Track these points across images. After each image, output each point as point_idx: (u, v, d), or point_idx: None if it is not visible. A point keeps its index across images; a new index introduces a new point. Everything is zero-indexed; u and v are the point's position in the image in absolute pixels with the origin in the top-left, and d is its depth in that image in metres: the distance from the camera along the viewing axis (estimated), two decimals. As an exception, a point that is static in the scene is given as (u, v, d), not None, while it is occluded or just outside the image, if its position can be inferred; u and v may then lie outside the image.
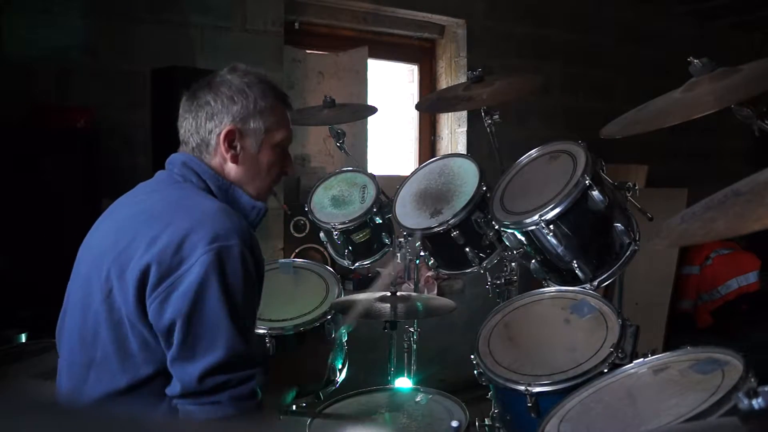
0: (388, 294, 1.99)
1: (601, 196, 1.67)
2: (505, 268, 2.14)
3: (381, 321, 1.96)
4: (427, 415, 1.81)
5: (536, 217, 1.68)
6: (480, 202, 2.01)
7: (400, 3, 3.84)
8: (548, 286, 1.87)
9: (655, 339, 3.81)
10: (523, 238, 1.77)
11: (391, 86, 4.22)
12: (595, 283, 1.75)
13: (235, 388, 1.26)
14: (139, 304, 1.26)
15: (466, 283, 3.86)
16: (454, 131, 4.22)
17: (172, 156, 1.46)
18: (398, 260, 2.33)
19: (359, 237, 2.32)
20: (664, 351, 1.51)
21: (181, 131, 1.45)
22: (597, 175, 1.72)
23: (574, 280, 1.78)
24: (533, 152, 1.95)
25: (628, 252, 1.74)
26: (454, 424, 1.53)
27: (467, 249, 2.03)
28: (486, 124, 2.20)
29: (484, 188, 2.03)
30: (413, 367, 2.27)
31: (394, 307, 1.93)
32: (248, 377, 1.28)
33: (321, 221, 2.34)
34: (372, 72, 3.94)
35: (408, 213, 2.16)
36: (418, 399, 1.90)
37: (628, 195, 1.79)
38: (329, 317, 2.05)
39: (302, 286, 2.21)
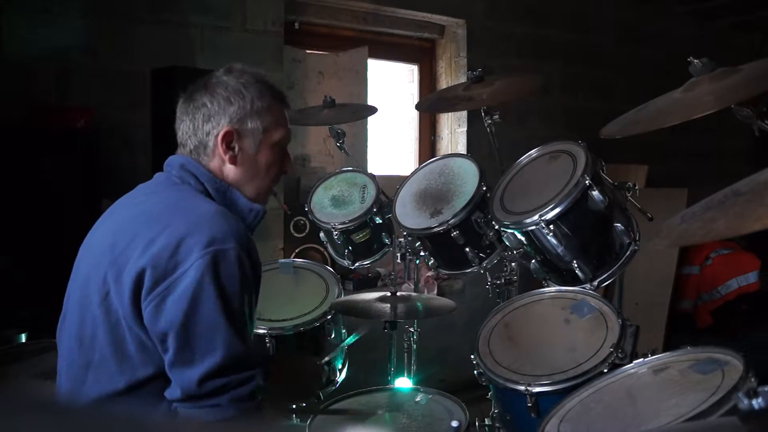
0: (388, 294, 1.99)
1: (601, 196, 1.67)
2: (505, 268, 2.14)
3: (381, 321, 1.96)
4: (427, 415, 1.81)
5: (536, 217, 1.68)
6: (480, 202, 2.01)
7: (400, 3, 3.83)
8: (548, 286, 1.87)
9: (655, 339, 3.81)
10: (523, 238, 1.77)
11: (391, 86, 4.22)
12: (595, 283, 1.75)
13: (234, 390, 1.26)
14: (135, 308, 1.26)
15: (466, 283, 3.86)
16: (454, 131, 4.22)
17: (171, 158, 1.46)
18: (398, 260, 2.33)
19: (359, 237, 2.32)
20: (664, 351, 1.51)
21: (179, 133, 1.45)
22: (597, 175, 1.72)
23: (574, 280, 1.78)
24: (533, 152, 1.95)
25: (628, 252, 1.74)
26: (454, 424, 1.54)
27: (467, 249, 2.03)
28: (486, 124, 2.20)
29: (484, 188, 2.03)
30: (413, 367, 2.27)
31: (394, 307, 1.93)
32: (247, 379, 1.28)
33: (321, 221, 2.34)
34: (372, 72, 3.94)
35: (408, 213, 2.16)
36: (418, 399, 1.90)
37: (628, 195, 1.79)
38: (329, 317, 2.05)
39: (302, 286, 2.21)
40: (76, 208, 2.52)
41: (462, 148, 4.11)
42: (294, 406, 1.97)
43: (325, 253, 3.04)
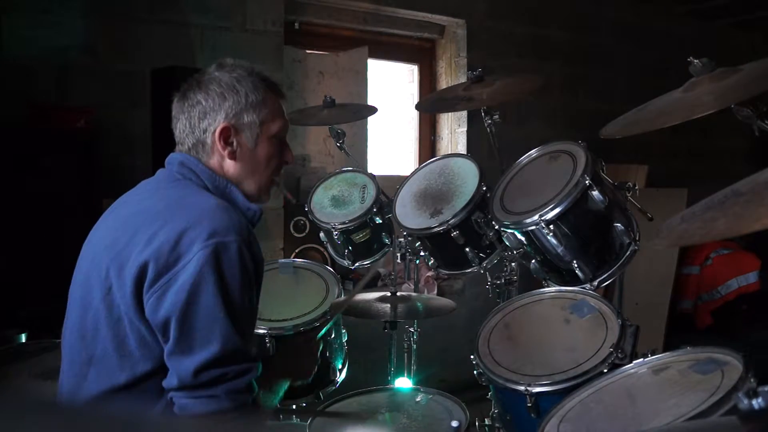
0: (388, 294, 1.99)
1: (601, 196, 1.67)
2: (505, 268, 2.14)
3: (381, 321, 1.96)
4: (427, 415, 1.81)
5: (536, 217, 1.68)
6: (480, 202, 2.01)
7: (400, 3, 3.84)
8: (548, 286, 1.87)
9: (655, 339, 3.81)
10: (523, 238, 1.77)
11: (391, 86, 4.22)
12: (595, 283, 1.75)
13: (230, 381, 1.27)
14: (137, 301, 1.27)
15: (466, 283, 3.86)
16: (454, 131, 4.22)
17: (171, 155, 1.46)
18: (398, 260, 2.33)
19: (359, 237, 2.32)
20: (664, 351, 1.51)
21: (176, 132, 1.45)
22: (597, 175, 1.72)
23: (574, 280, 1.78)
24: (533, 152, 1.95)
25: (628, 252, 1.74)
26: (454, 424, 1.54)
27: (467, 249, 2.03)
28: (486, 124, 2.20)
29: (484, 188, 2.03)
30: (413, 367, 2.27)
31: (394, 307, 1.93)
32: (244, 371, 1.28)
33: (321, 221, 2.34)
34: (372, 72, 3.94)
35: (408, 213, 2.15)
36: (418, 399, 1.90)
37: (628, 195, 1.79)
38: (329, 317, 2.05)
39: (302, 286, 2.21)
40: (76, 208, 2.52)
41: (462, 148, 4.11)
42: (294, 406, 1.97)
43: (325, 253, 3.03)
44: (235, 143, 1.41)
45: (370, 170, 2.64)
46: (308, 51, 3.73)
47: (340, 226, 2.28)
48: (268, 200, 1.53)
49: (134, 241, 1.28)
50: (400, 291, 2.01)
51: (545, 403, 1.55)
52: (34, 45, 2.76)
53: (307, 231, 3.47)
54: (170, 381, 1.27)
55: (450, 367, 3.13)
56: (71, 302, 1.41)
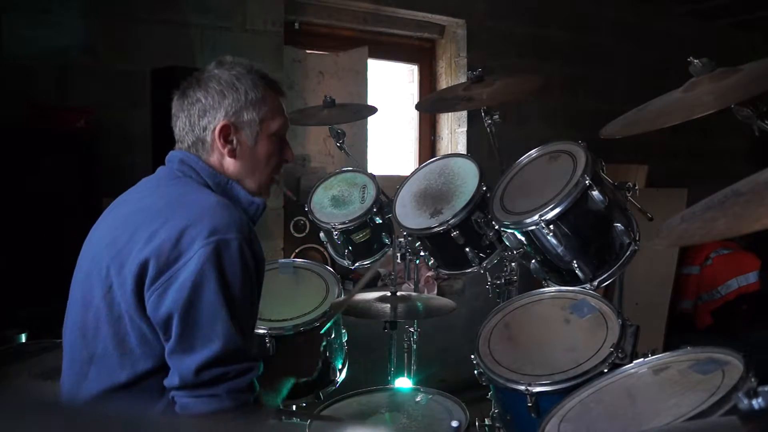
0: (388, 294, 1.99)
1: (601, 196, 1.67)
2: (505, 268, 2.14)
3: (381, 321, 1.96)
4: (427, 415, 1.81)
5: (536, 217, 1.68)
6: (480, 202, 2.01)
7: (400, 3, 3.84)
8: (548, 286, 1.87)
9: (655, 339, 3.81)
10: (523, 238, 1.77)
11: (391, 86, 4.22)
12: (595, 283, 1.75)
13: (232, 380, 1.26)
14: (138, 299, 1.26)
15: (466, 283, 3.86)
16: (454, 131, 4.22)
17: (171, 153, 1.46)
18: (398, 260, 2.33)
19: (359, 237, 2.32)
20: (664, 351, 1.51)
21: (176, 130, 1.45)
22: (597, 175, 1.72)
23: (574, 280, 1.78)
24: (533, 152, 1.95)
25: (628, 252, 1.74)
26: (454, 424, 1.54)
27: (467, 249, 2.03)
28: (486, 124, 2.20)
29: (484, 188, 2.03)
30: (413, 367, 2.27)
31: (394, 307, 1.93)
32: (245, 370, 1.28)
33: (321, 221, 2.34)
34: (372, 72, 3.94)
35: (408, 213, 2.15)
36: (418, 399, 1.90)
37: (628, 195, 1.79)
38: (329, 317, 2.05)
39: (302, 286, 2.21)
40: (76, 207, 2.52)
41: (462, 148, 4.11)
42: (294, 407, 1.97)
43: (325, 253, 3.03)
44: (234, 141, 1.41)
45: (370, 170, 2.64)
46: (308, 51, 3.73)
47: (340, 226, 2.28)
48: (267, 198, 1.53)
49: (135, 239, 1.28)
50: (400, 291, 2.01)
51: (545, 403, 1.55)
52: (34, 45, 2.76)
53: (307, 231, 3.47)
54: (171, 380, 1.27)
55: (450, 367, 3.13)
56: (71, 301, 1.40)
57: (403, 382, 2.19)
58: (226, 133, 1.40)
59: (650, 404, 1.35)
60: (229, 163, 1.42)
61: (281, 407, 1.73)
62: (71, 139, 2.62)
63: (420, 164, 2.37)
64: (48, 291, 1.63)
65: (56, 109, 2.71)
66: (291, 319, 2.02)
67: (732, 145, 5.32)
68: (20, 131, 2.55)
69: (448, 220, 2.00)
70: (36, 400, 0.38)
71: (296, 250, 3.45)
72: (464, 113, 4.07)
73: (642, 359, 1.51)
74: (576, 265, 1.71)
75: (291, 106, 3.12)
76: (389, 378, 2.21)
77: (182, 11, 3.09)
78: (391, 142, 4.20)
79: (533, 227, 1.70)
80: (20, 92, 2.69)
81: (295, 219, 3.47)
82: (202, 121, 1.40)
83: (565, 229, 1.69)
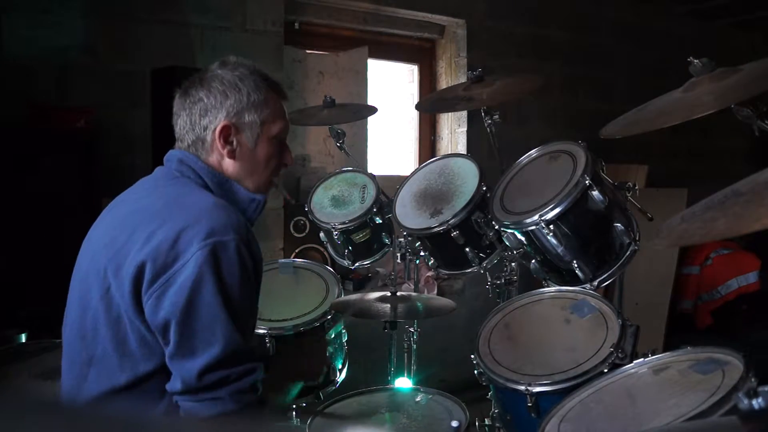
0: (388, 294, 1.99)
1: (601, 196, 1.67)
2: (505, 268, 2.14)
3: (381, 321, 1.96)
4: (427, 415, 1.80)
5: (536, 217, 1.68)
6: (480, 202, 2.01)
7: (400, 3, 3.84)
8: (548, 286, 1.87)
9: (655, 339, 3.81)
10: (523, 238, 1.77)
11: (391, 86, 4.22)
12: (595, 283, 1.75)
13: (235, 382, 1.26)
14: (136, 302, 1.26)
15: (466, 283, 3.86)
16: (454, 131, 4.22)
17: (170, 152, 1.46)
18: (398, 260, 2.33)
19: (359, 237, 2.32)
20: (664, 351, 1.51)
21: (176, 129, 1.45)
22: (597, 175, 1.72)
23: (574, 280, 1.78)
24: (533, 152, 1.95)
25: (628, 252, 1.74)
26: (454, 424, 1.54)
27: (467, 249, 2.03)
28: (486, 124, 2.20)
29: (484, 188, 2.03)
30: (413, 367, 2.27)
31: (394, 307, 1.93)
32: (248, 371, 1.28)
33: (321, 221, 2.34)
34: (372, 72, 3.94)
35: (408, 213, 2.15)
36: (418, 399, 1.90)
37: (628, 195, 1.79)
38: (329, 317, 2.05)
39: (302, 286, 2.21)
40: (76, 208, 2.52)
41: (462, 148, 4.11)
42: (294, 405, 1.97)
43: (325, 253, 3.03)
44: (235, 142, 1.41)
45: (370, 170, 2.64)
46: (308, 51, 3.73)
47: (340, 226, 2.28)
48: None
49: (132, 240, 1.27)
50: (400, 291, 2.01)
51: (545, 403, 1.55)
52: (34, 45, 2.76)
53: (307, 231, 3.47)
54: (174, 384, 1.26)
55: (450, 367, 3.13)
56: (70, 302, 1.40)
57: (403, 382, 2.19)
58: (226, 134, 1.40)
59: (650, 404, 1.35)
60: (228, 164, 1.42)
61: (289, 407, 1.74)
62: (71, 139, 2.62)
63: (420, 164, 2.37)
64: (48, 291, 1.63)
65: (56, 109, 2.71)
66: (291, 319, 2.02)
67: (732, 145, 5.32)
68: (20, 131, 2.55)
69: (448, 220, 2.00)
70: (36, 400, 0.38)
71: (296, 250, 3.45)
72: (464, 113, 4.07)
73: (642, 359, 1.51)
74: (576, 265, 1.71)
75: (291, 106, 3.11)
76: (389, 378, 2.21)
77: (182, 11, 3.09)
78: (391, 142, 4.20)
79: (533, 227, 1.70)
80: (20, 92, 2.69)
81: (295, 219, 3.47)
82: (203, 120, 1.40)
83: (565, 229, 1.69)
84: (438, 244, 2.10)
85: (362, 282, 3.56)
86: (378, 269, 3.63)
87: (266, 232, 3.34)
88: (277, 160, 1.48)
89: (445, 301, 2.09)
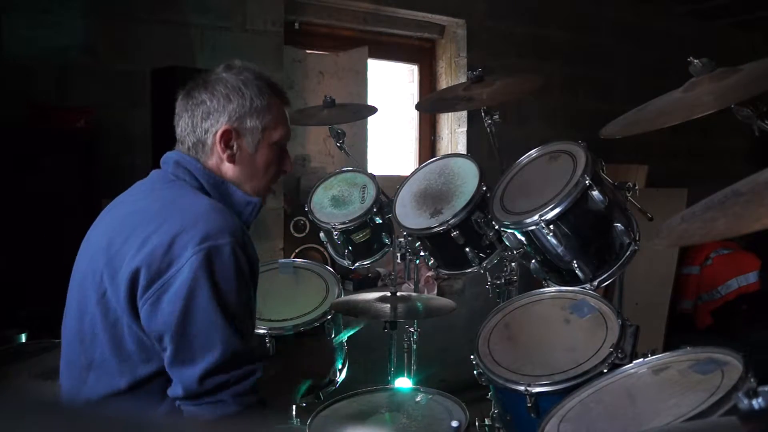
0: (388, 294, 1.99)
1: (601, 196, 1.67)
2: (505, 268, 2.14)
3: (381, 321, 1.96)
4: (427, 415, 1.80)
5: (536, 217, 1.68)
6: (480, 202, 2.01)
7: (400, 3, 3.84)
8: (548, 286, 1.87)
9: (655, 339, 3.81)
10: (523, 238, 1.77)
11: (391, 86, 4.22)
12: (595, 283, 1.75)
13: (236, 385, 1.26)
14: (132, 307, 1.25)
15: (466, 283, 3.87)
16: (454, 131, 4.22)
17: (167, 154, 1.45)
18: (398, 260, 2.33)
19: (359, 237, 2.32)
20: (664, 351, 1.51)
21: (178, 130, 1.44)
22: (597, 175, 1.72)
23: (574, 280, 1.78)
24: (533, 152, 1.95)
25: (628, 252, 1.74)
26: (454, 424, 1.53)
27: (467, 249, 2.03)
28: (486, 124, 2.20)
29: (484, 188, 2.03)
30: (413, 367, 2.27)
31: (394, 307, 1.92)
32: (248, 373, 1.28)
33: (321, 221, 2.34)
34: (372, 72, 3.94)
35: (408, 213, 2.15)
36: (418, 399, 1.90)
37: (628, 195, 1.79)
38: (329, 317, 2.05)
39: (302, 286, 2.21)
40: (76, 208, 2.52)
41: (462, 148, 4.11)
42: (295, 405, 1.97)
43: (325, 253, 3.04)
44: (235, 147, 1.40)
45: (370, 170, 2.64)
46: (308, 51, 3.73)
47: (340, 226, 2.28)
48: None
49: (127, 245, 1.27)
50: (400, 291, 2.01)
51: (545, 403, 1.55)
52: (34, 45, 2.76)
53: (307, 231, 3.47)
54: (175, 390, 1.26)
55: (450, 367, 3.13)
56: (69, 303, 1.40)
57: (403, 382, 2.19)
58: (227, 138, 1.39)
59: (650, 404, 1.35)
60: (227, 168, 1.42)
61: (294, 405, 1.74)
62: (71, 139, 2.62)
63: (420, 164, 2.37)
64: (48, 291, 1.63)
65: (56, 109, 2.71)
66: (291, 319, 2.02)
67: (732, 145, 5.32)
68: (20, 131, 2.56)
69: (448, 220, 2.00)
70: (36, 400, 0.38)
71: (296, 250, 3.45)
72: (464, 113, 4.07)
73: (642, 359, 1.51)
74: (576, 265, 1.71)
75: (291, 107, 3.11)
76: (389, 378, 2.21)
77: (182, 11, 3.09)
78: (391, 142, 4.20)
79: (533, 227, 1.70)
80: (20, 92, 2.70)
81: (295, 219, 3.48)
82: (204, 123, 1.39)
83: (565, 229, 1.69)
84: (438, 244, 2.10)
85: (362, 282, 3.56)
86: (378, 269, 3.63)
87: (266, 232, 3.34)
88: (277, 167, 1.48)
89: (445, 301, 2.09)
